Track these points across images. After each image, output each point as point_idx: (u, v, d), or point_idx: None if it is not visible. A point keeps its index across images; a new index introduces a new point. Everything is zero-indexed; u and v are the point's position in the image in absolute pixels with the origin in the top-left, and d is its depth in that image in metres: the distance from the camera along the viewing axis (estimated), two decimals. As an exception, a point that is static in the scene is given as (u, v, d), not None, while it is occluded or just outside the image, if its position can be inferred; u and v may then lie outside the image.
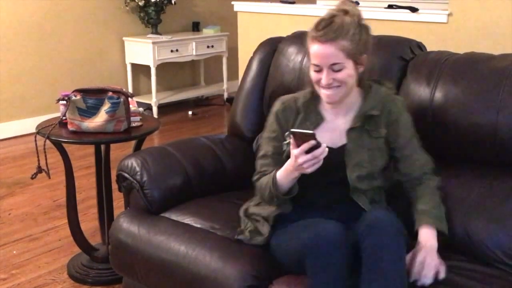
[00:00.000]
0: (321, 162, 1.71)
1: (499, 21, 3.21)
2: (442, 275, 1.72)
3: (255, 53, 2.69)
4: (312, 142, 1.68)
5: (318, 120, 1.92)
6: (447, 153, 2.06)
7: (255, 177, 2.00)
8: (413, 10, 3.57)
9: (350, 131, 1.87)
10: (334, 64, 1.79)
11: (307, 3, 4.43)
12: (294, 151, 1.71)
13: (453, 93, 2.03)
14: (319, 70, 1.82)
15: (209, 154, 2.46)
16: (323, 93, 1.85)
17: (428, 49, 2.34)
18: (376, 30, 2.73)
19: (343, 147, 1.88)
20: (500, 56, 2.09)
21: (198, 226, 2.13)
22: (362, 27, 1.83)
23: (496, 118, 1.94)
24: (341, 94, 1.84)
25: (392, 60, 2.25)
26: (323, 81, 1.81)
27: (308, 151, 1.69)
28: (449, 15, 3.42)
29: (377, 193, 1.92)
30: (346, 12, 1.83)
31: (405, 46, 2.28)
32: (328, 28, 1.79)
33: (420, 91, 2.10)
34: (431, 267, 1.70)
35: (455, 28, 3.39)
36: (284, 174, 1.82)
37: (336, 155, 1.85)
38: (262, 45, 2.70)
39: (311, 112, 1.94)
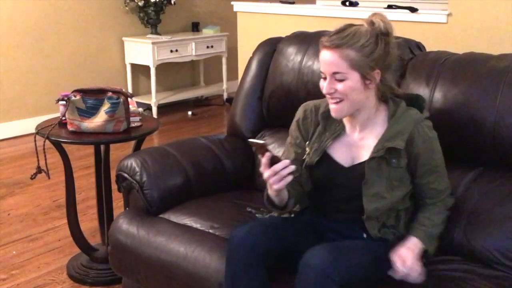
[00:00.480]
0: (288, 179, 1.64)
1: (499, 21, 3.21)
2: (422, 277, 1.70)
3: (254, 53, 2.69)
4: (268, 154, 1.61)
5: (338, 130, 1.84)
6: (446, 153, 2.06)
7: None
8: (413, 10, 3.57)
9: (370, 160, 1.76)
10: (336, 73, 1.71)
11: (307, 3, 4.43)
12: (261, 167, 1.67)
13: (452, 93, 2.03)
14: (324, 78, 1.75)
15: (209, 154, 2.46)
16: (331, 108, 1.78)
17: (428, 49, 2.34)
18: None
19: (357, 167, 1.80)
20: (499, 56, 2.09)
21: (198, 226, 2.13)
22: (381, 40, 1.72)
23: (495, 118, 1.94)
24: (346, 108, 1.75)
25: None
26: (324, 89, 1.74)
27: (271, 165, 1.62)
28: (449, 15, 3.42)
29: (392, 217, 1.83)
30: (371, 23, 1.73)
31: (405, 46, 2.27)
32: (336, 35, 1.71)
33: (420, 91, 2.09)
34: (414, 265, 1.69)
35: (455, 28, 3.39)
36: (269, 190, 1.78)
37: (346, 175, 1.80)
38: (262, 45, 2.70)
39: (331, 122, 1.85)
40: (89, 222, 3.25)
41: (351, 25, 1.75)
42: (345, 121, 1.85)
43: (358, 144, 1.82)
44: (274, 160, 1.62)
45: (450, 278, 1.76)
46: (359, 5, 3.92)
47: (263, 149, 1.62)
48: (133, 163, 2.31)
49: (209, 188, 2.40)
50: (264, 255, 1.73)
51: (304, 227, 1.86)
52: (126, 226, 2.22)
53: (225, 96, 6.26)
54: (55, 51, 5.22)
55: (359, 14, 3.78)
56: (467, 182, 2.00)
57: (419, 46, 2.32)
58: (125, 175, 2.31)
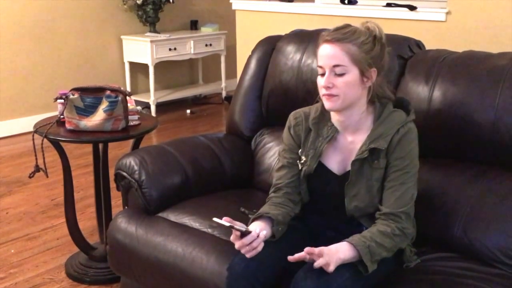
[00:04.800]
0: (259, 248, 1.67)
1: (498, 19, 3.21)
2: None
3: (253, 51, 2.68)
4: (236, 232, 1.65)
5: (330, 133, 1.85)
6: (445, 152, 2.06)
7: (270, 191, 1.94)
8: (412, 8, 3.56)
9: (354, 161, 1.78)
10: (336, 65, 1.72)
11: (306, 1, 4.42)
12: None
13: (451, 91, 2.03)
14: (322, 73, 1.76)
15: (208, 153, 2.46)
16: (325, 101, 1.79)
17: (427, 47, 2.34)
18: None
19: (346, 175, 1.81)
20: (498, 54, 2.08)
21: (197, 225, 2.13)
22: (377, 41, 1.77)
23: (495, 117, 1.94)
24: (339, 102, 1.76)
25: (391, 59, 2.24)
26: (322, 82, 1.75)
27: (242, 237, 1.66)
28: (448, 13, 3.41)
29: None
30: (366, 27, 1.78)
31: (404, 44, 2.27)
32: (338, 31, 1.75)
33: (419, 89, 2.09)
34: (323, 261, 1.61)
35: (454, 26, 3.39)
36: None
37: (338, 183, 1.82)
38: (261, 43, 2.69)
39: (323, 126, 1.87)
40: (87, 221, 3.24)
41: (350, 25, 1.78)
42: (336, 123, 1.86)
43: (349, 148, 1.84)
44: (244, 234, 1.65)
45: (449, 275, 1.75)
46: (357, 3, 3.92)
47: (231, 228, 1.65)
48: (131, 161, 2.30)
49: (208, 186, 2.40)
50: (265, 283, 1.73)
51: (301, 239, 1.83)
52: (124, 225, 2.22)
53: (223, 94, 6.25)
54: (53, 50, 5.21)
55: (358, 12, 3.79)
56: (466, 181, 2.00)
57: (419, 45, 2.32)
58: (124, 173, 2.30)
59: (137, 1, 5.51)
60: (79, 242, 2.74)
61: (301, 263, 1.68)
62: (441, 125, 2.03)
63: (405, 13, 3.59)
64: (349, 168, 1.81)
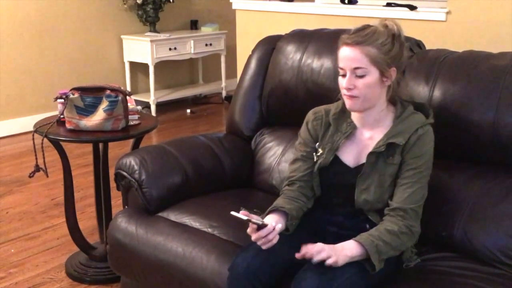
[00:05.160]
0: (274, 241, 1.70)
1: (498, 19, 3.21)
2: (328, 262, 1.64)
3: (253, 51, 2.68)
4: (253, 226, 1.70)
5: (349, 129, 1.90)
6: (445, 152, 2.06)
7: (284, 184, 1.99)
8: (412, 8, 3.56)
9: (370, 154, 1.83)
10: (357, 68, 1.78)
11: (306, 1, 4.42)
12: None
13: (451, 91, 2.03)
14: (343, 75, 1.82)
15: (208, 153, 2.46)
16: (346, 100, 1.84)
17: (427, 47, 2.34)
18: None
19: (361, 166, 1.85)
20: (498, 54, 2.08)
21: (197, 225, 2.13)
22: (396, 40, 1.81)
23: (494, 117, 1.93)
24: (359, 103, 1.82)
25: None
26: (344, 83, 1.80)
27: (258, 230, 1.70)
28: (448, 13, 3.41)
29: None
30: (385, 26, 1.82)
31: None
32: (358, 33, 1.80)
33: (419, 89, 2.09)
34: (325, 255, 1.63)
35: (454, 26, 3.38)
36: None
37: (351, 176, 1.84)
38: (261, 43, 2.69)
39: (342, 122, 1.93)
40: (87, 221, 3.24)
41: (369, 25, 1.83)
42: (356, 120, 1.91)
43: (366, 143, 1.87)
44: (260, 227, 1.70)
45: (449, 275, 1.75)
46: (358, 3, 3.92)
47: (248, 221, 1.70)
48: (132, 161, 2.30)
49: (208, 186, 2.40)
50: (267, 283, 1.74)
51: (303, 239, 1.81)
52: (124, 225, 2.22)
53: (224, 94, 6.25)
54: (54, 49, 5.21)
55: (358, 12, 3.78)
56: (466, 180, 2.00)
57: (419, 44, 2.31)
58: (124, 173, 2.30)
59: (137, 1, 5.51)
60: (79, 241, 2.74)
61: (304, 262, 1.69)
62: (441, 124, 2.03)
63: (405, 12, 3.59)
64: (363, 161, 1.85)
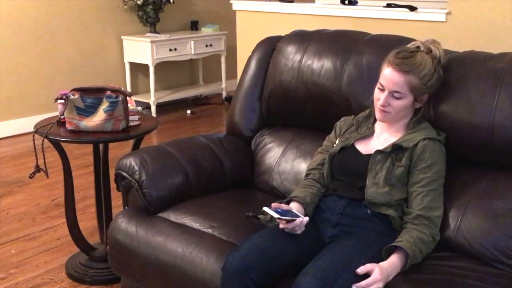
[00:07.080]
0: (299, 232, 1.84)
1: (498, 20, 3.21)
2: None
3: (253, 52, 2.68)
4: (283, 222, 1.84)
5: (367, 132, 2.06)
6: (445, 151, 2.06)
7: (306, 172, 2.15)
8: (412, 9, 3.56)
9: (376, 153, 1.95)
10: (396, 91, 1.92)
11: (306, 2, 4.42)
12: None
13: (451, 92, 2.03)
14: (382, 89, 1.95)
15: (208, 153, 2.46)
16: (377, 112, 1.99)
17: (427, 48, 2.33)
18: (375, 29, 2.73)
19: (369, 157, 1.97)
20: (498, 55, 2.08)
21: (197, 225, 2.13)
22: (436, 71, 1.95)
23: (494, 118, 1.94)
24: (390, 117, 1.97)
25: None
26: (380, 101, 1.95)
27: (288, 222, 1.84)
28: (448, 14, 3.41)
29: (397, 209, 1.91)
30: (429, 51, 1.96)
31: (404, 45, 2.27)
32: (406, 60, 1.92)
33: (419, 90, 2.09)
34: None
35: (454, 27, 3.39)
36: None
37: (364, 162, 1.96)
38: (261, 44, 2.69)
39: (364, 125, 2.09)
40: (88, 221, 3.24)
41: (415, 51, 1.96)
42: (377, 125, 2.06)
43: (378, 140, 2.02)
44: (289, 221, 1.84)
45: (449, 275, 1.75)
46: (358, 4, 3.92)
47: (278, 219, 1.84)
48: (132, 162, 2.30)
49: (208, 187, 2.40)
50: (259, 282, 1.76)
51: (300, 238, 1.87)
52: (125, 226, 2.22)
53: (224, 95, 6.25)
54: (54, 50, 5.21)
55: (358, 13, 3.79)
56: (465, 181, 2.00)
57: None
58: (124, 174, 2.30)
59: (138, 2, 5.51)
60: (80, 242, 2.74)
61: (301, 261, 1.73)
62: (440, 125, 2.03)
63: (405, 13, 3.59)
64: (373, 150, 1.97)
